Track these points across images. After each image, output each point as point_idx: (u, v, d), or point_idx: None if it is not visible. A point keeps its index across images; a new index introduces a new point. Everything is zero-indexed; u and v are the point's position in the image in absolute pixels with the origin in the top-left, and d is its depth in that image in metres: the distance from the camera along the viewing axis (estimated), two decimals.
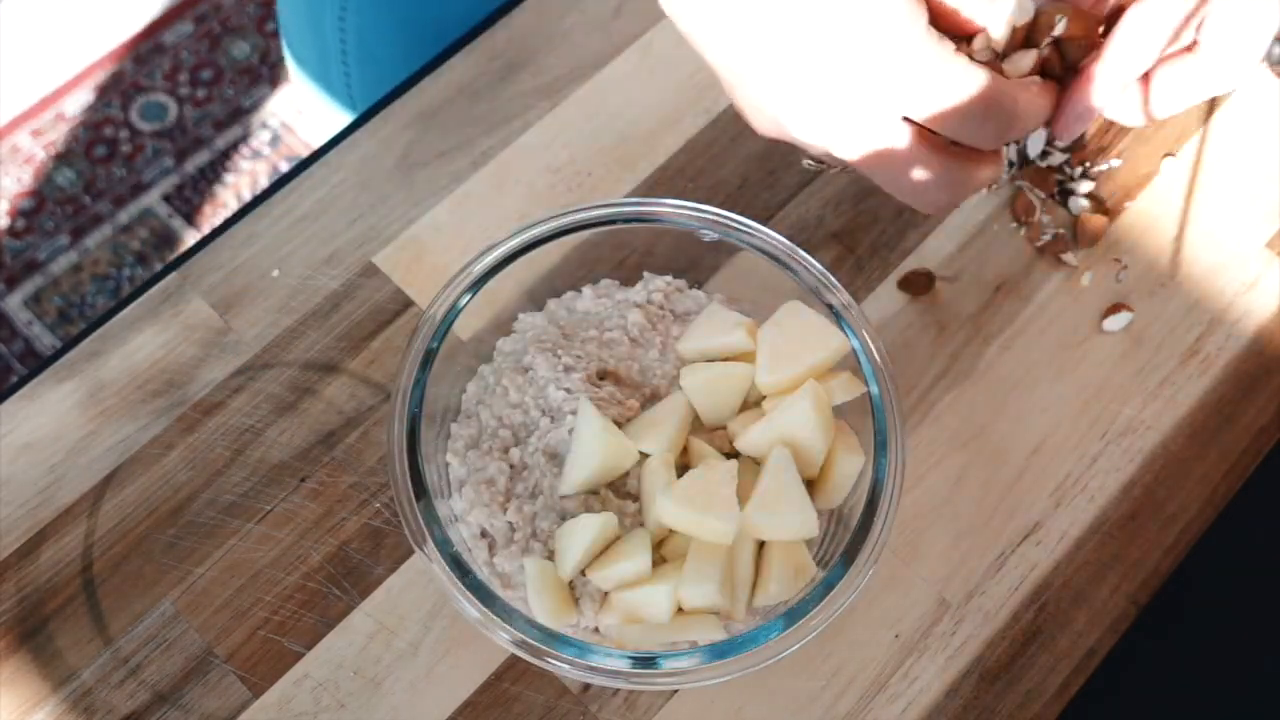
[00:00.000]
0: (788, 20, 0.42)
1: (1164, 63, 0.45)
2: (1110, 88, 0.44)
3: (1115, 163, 0.65)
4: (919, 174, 0.45)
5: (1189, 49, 0.45)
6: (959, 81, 0.42)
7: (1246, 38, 0.44)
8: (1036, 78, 0.44)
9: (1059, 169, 0.65)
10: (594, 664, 0.47)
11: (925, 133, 0.44)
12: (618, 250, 0.58)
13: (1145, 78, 0.46)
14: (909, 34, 0.41)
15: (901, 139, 0.44)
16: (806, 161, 0.48)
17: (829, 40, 0.42)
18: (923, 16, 0.42)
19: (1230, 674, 0.57)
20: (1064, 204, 0.65)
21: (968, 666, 0.55)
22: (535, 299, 0.57)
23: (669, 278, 0.57)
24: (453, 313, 0.52)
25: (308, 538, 0.56)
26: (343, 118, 0.88)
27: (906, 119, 0.44)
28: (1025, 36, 0.44)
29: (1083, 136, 0.66)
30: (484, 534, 0.51)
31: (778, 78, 0.44)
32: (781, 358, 0.52)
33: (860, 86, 0.43)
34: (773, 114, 0.46)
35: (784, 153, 0.65)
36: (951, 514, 0.58)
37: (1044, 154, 0.66)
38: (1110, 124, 0.67)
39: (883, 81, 0.42)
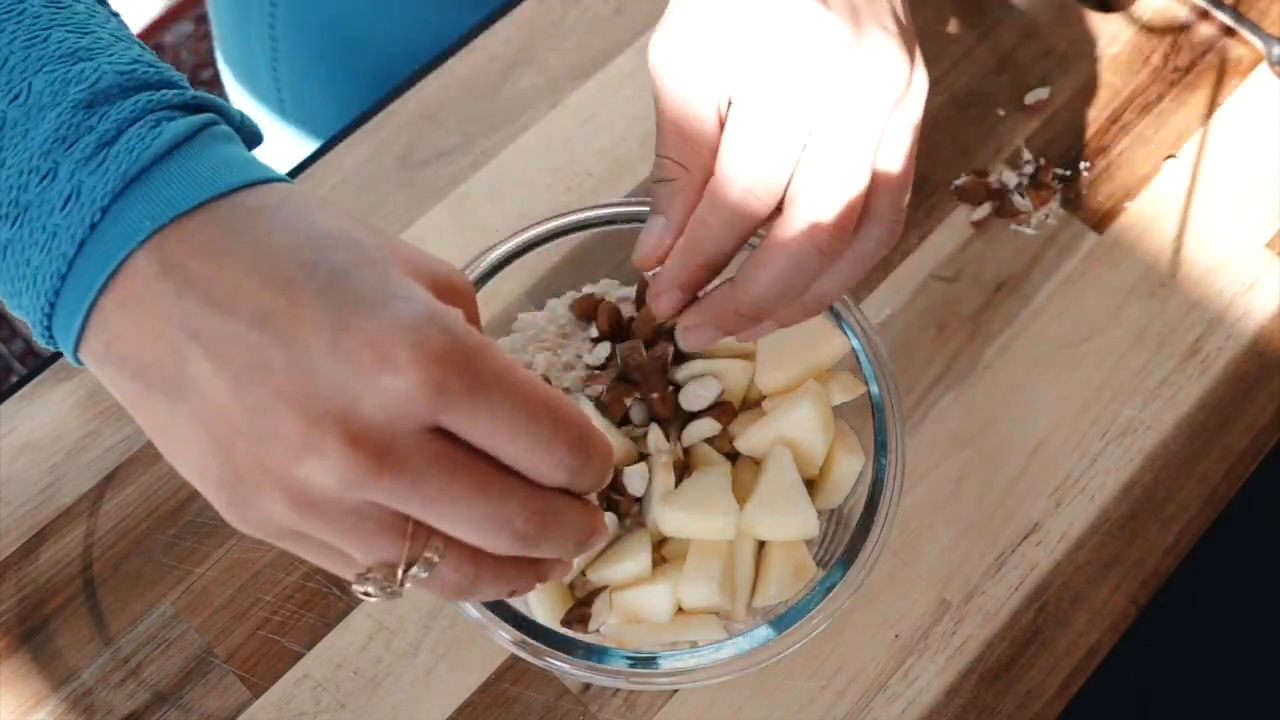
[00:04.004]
0: None
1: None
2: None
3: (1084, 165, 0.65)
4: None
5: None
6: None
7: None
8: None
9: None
10: (594, 664, 0.47)
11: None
12: (618, 250, 0.58)
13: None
14: None
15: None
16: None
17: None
18: None
19: (1230, 674, 0.57)
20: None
21: (968, 666, 0.55)
22: (535, 299, 0.57)
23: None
24: None
25: None
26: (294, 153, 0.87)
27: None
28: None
29: None
30: None
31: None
32: (781, 358, 0.52)
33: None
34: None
35: None
36: (951, 514, 0.58)
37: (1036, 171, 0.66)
38: (1110, 124, 0.67)
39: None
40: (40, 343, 0.36)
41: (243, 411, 0.31)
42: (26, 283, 0.34)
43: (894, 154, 0.43)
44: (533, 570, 0.37)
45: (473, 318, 0.35)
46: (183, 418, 0.33)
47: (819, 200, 0.41)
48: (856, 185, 0.42)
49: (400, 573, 0.33)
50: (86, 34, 0.36)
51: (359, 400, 0.31)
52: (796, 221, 0.42)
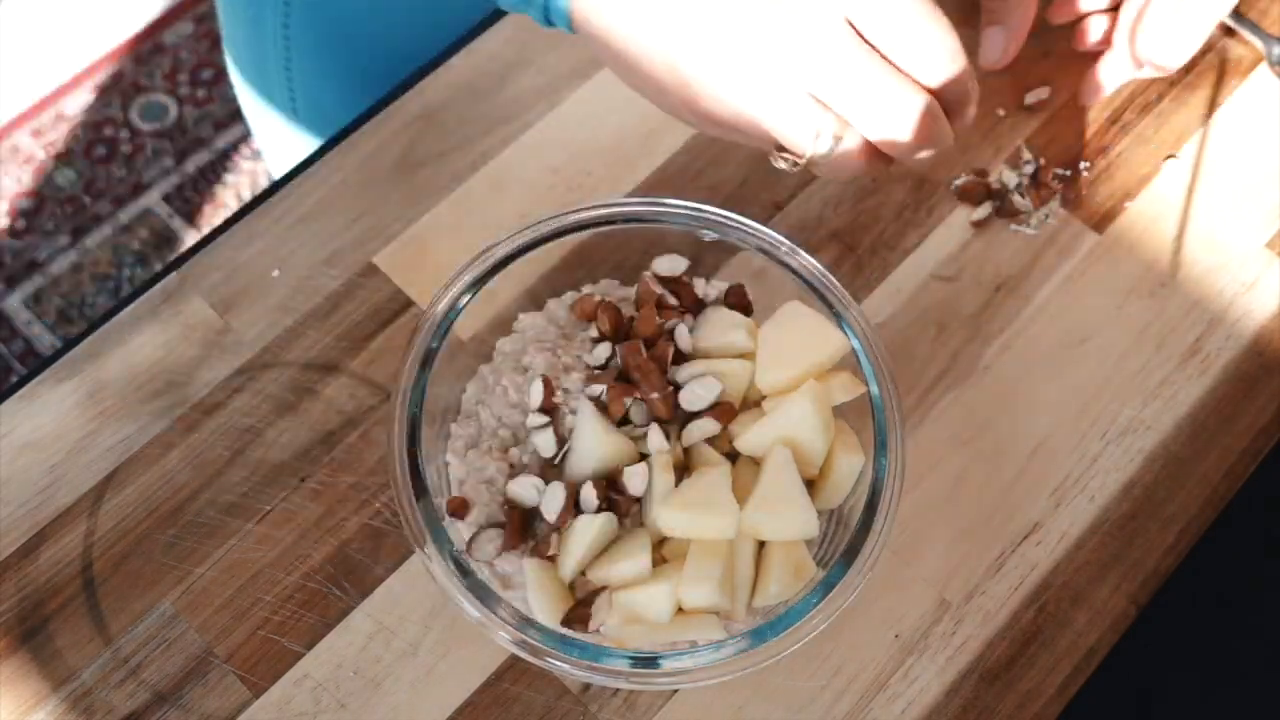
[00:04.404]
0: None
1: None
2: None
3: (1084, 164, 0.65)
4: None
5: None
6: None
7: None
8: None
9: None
10: (594, 664, 0.47)
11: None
12: (618, 250, 0.58)
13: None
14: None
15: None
16: (774, 159, 0.50)
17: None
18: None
19: (1230, 674, 0.57)
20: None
21: (968, 666, 0.55)
22: (535, 299, 0.57)
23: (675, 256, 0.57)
24: (453, 313, 0.52)
25: (308, 538, 0.56)
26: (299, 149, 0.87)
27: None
28: None
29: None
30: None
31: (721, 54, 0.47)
32: (781, 358, 0.52)
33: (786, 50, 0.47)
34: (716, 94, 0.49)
35: None
36: (951, 514, 0.58)
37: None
38: (1110, 124, 0.67)
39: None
40: (540, 23, 0.51)
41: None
42: None
43: None
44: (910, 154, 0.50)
45: None
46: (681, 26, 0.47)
47: None
48: None
49: (823, 142, 0.47)
50: None
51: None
52: None
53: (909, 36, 0.46)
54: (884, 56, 0.47)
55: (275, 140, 0.89)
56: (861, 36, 0.46)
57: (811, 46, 0.46)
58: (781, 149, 0.49)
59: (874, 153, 0.49)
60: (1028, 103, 0.67)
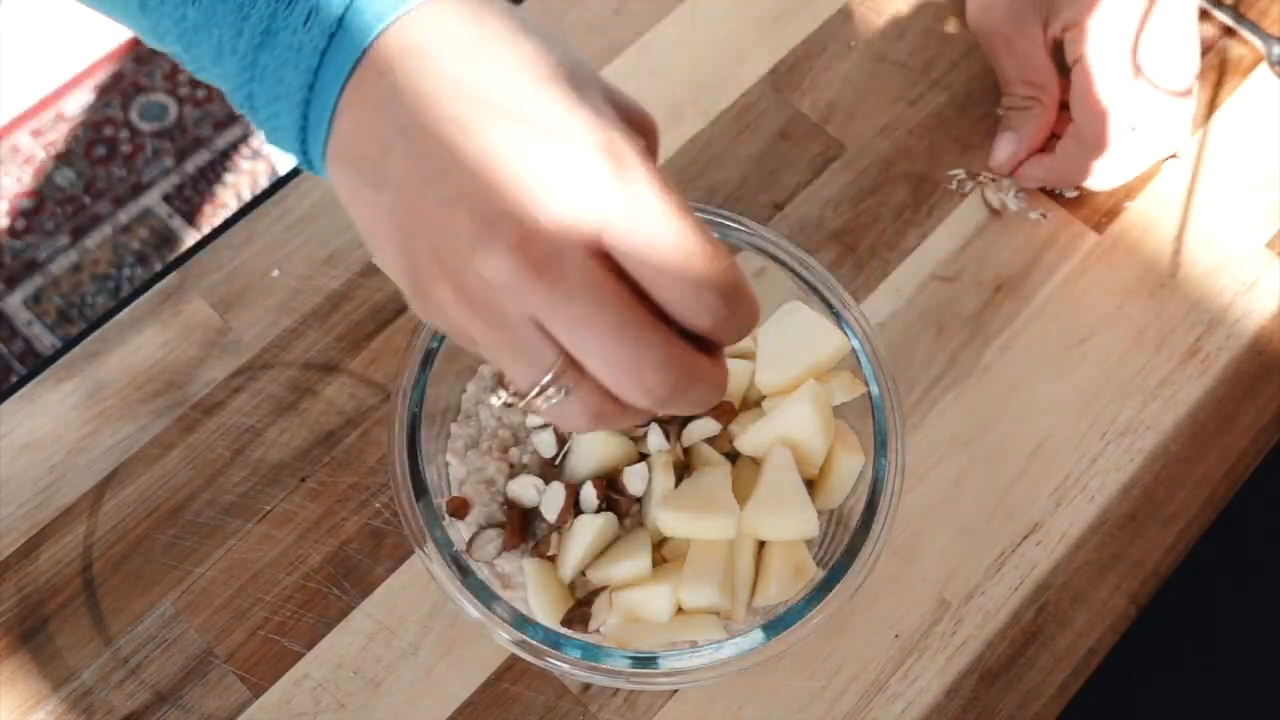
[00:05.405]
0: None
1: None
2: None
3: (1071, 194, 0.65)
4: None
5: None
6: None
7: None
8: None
9: None
10: (594, 664, 0.47)
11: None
12: None
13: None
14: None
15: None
16: (492, 393, 0.42)
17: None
18: None
19: (1230, 674, 0.57)
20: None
21: (968, 666, 0.55)
22: None
23: None
24: None
25: (308, 538, 0.56)
26: None
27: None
28: None
29: None
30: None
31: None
32: (781, 358, 0.52)
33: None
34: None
35: (784, 152, 0.65)
36: (951, 514, 0.58)
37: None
38: None
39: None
40: (299, 161, 0.39)
41: (429, 205, 0.34)
42: (283, 102, 0.37)
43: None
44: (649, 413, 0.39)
45: (653, 153, 0.38)
46: (381, 209, 0.36)
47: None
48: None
49: (539, 389, 0.35)
50: None
51: (533, 208, 0.33)
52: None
53: (668, 266, 0.34)
54: (635, 286, 0.34)
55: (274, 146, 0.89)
56: (609, 258, 0.34)
57: (541, 265, 0.33)
58: (504, 380, 0.38)
59: (616, 403, 0.36)
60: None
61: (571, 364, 0.35)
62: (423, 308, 0.36)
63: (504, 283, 0.33)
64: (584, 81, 0.35)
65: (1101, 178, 0.62)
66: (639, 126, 0.37)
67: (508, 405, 0.38)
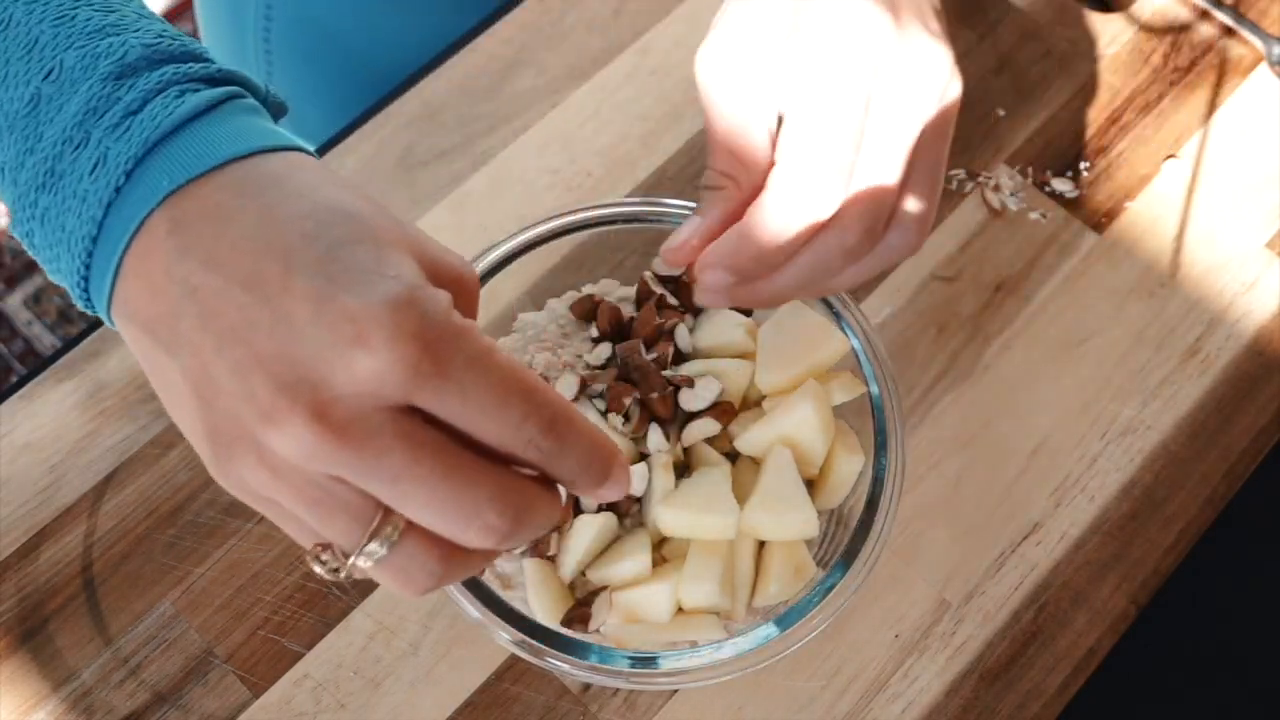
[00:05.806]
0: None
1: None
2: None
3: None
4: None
5: None
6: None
7: None
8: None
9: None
10: (594, 664, 0.47)
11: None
12: (618, 250, 0.58)
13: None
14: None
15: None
16: (311, 561, 0.36)
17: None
18: None
19: (1230, 674, 0.57)
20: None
21: (968, 666, 0.55)
22: (535, 299, 0.57)
23: None
24: None
25: None
26: None
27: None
28: None
29: None
30: None
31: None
32: (781, 358, 0.52)
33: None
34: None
35: None
36: (951, 514, 0.58)
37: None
38: (1110, 124, 0.67)
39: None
40: (80, 306, 0.37)
41: (224, 370, 0.32)
42: (63, 247, 0.35)
43: (927, 160, 0.43)
44: (492, 557, 0.36)
45: (469, 310, 0.36)
46: (176, 372, 0.34)
47: (853, 202, 0.42)
48: (890, 190, 0.42)
49: (353, 554, 0.33)
50: (112, 11, 0.37)
51: (332, 372, 0.31)
52: (829, 222, 0.43)
53: (482, 415, 0.32)
54: (450, 429, 0.32)
55: None
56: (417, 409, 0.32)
57: (343, 431, 0.31)
58: (324, 546, 0.34)
59: (454, 550, 0.34)
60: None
61: (392, 511, 0.32)
62: (223, 475, 0.34)
63: (308, 454, 0.31)
64: (388, 239, 0.33)
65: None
66: (451, 278, 0.35)
67: (334, 571, 0.34)
